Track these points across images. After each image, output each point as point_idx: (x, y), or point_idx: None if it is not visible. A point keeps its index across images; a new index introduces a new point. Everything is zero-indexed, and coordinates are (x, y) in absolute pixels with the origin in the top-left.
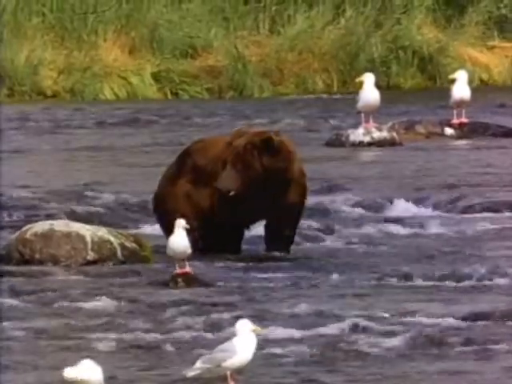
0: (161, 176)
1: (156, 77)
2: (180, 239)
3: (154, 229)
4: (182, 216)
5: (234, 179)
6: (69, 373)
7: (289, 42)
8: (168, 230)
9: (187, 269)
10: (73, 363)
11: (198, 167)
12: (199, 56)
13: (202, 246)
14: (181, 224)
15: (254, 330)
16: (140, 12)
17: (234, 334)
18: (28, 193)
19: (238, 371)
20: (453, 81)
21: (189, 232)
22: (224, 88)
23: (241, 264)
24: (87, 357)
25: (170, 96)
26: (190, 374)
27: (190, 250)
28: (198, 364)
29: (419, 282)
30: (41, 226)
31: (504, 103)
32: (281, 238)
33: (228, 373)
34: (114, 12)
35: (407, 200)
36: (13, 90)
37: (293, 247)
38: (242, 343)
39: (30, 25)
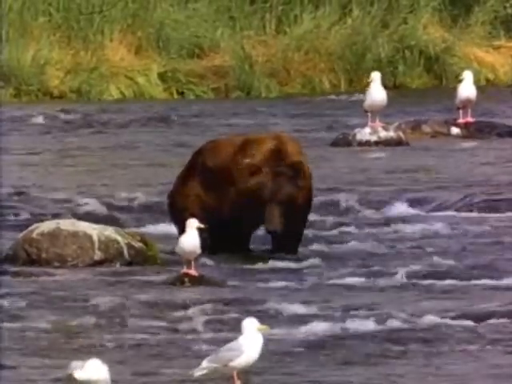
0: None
1: (162, 77)
2: (191, 239)
3: (160, 228)
4: (191, 215)
5: (279, 217)
6: (79, 375)
7: (295, 42)
8: (179, 228)
9: (193, 271)
10: (79, 363)
11: (208, 169)
12: (205, 56)
13: (210, 246)
14: (192, 224)
15: (259, 329)
16: (146, 11)
17: (240, 333)
18: (34, 192)
19: (244, 370)
20: (461, 81)
21: (200, 232)
22: (230, 88)
23: (247, 264)
24: (94, 356)
25: (176, 96)
26: (197, 373)
27: (199, 251)
28: (205, 363)
29: (421, 281)
30: (47, 226)
31: (510, 103)
32: (287, 238)
33: (234, 372)
34: (120, 11)
35: (413, 199)
36: (19, 90)
37: (299, 247)
38: (249, 342)
39: (37, 24)
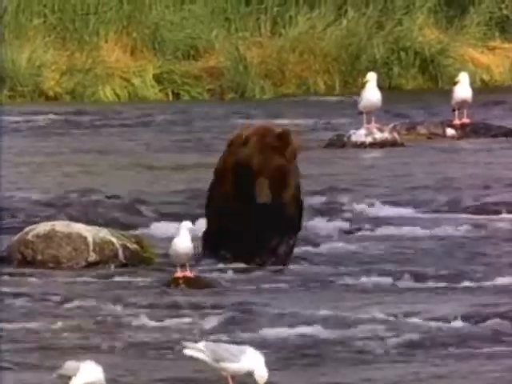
0: None
1: (158, 78)
2: (183, 241)
3: (155, 230)
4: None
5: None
6: (75, 382)
7: (290, 43)
8: None
9: (188, 272)
10: (73, 363)
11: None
12: (201, 57)
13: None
14: (185, 226)
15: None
16: (141, 13)
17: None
18: (29, 194)
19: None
20: (456, 82)
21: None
22: (225, 89)
23: (242, 266)
24: (88, 357)
25: (171, 97)
26: (189, 352)
27: (192, 253)
28: (201, 346)
29: (419, 282)
30: (42, 227)
31: (505, 104)
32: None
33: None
34: (115, 13)
35: (408, 201)
36: (14, 91)
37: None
38: (251, 356)
39: (32, 26)
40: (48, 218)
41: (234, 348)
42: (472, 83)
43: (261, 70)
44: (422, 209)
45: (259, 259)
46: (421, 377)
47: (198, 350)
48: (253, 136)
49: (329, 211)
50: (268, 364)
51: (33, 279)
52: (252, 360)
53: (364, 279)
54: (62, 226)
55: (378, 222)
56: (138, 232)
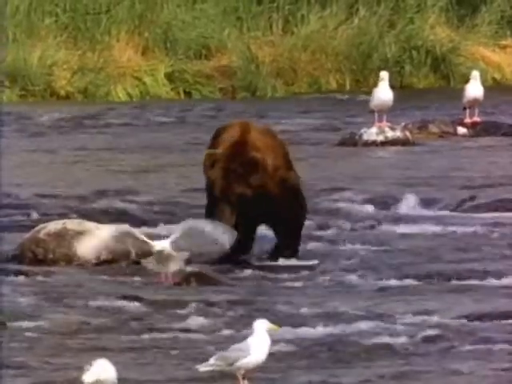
0: None
1: (170, 77)
2: None
3: (167, 228)
4: None
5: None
6: (88, 377)
7: (302, 42)
8: None
9: (199, 270)
10: (86, 363)
11: None
12: (213, 56)
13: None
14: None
15: (270, 329)
16: (153, 12)
17: (249, 334)
18: (41, 192)
19: (252, 371)
20: (468, 80)
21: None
22: (237, 88)
23: (252, 264)
24: (100, 356)
25: (183, 96)
26: (202, 369)
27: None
28: (212, 360)
29: (421, 281)
30: (54, 226)
31: None
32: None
33: (239, 373)
34: (127, 12)
35: (418, 199)
36: (26, 90)
37: (302, 247)
38: (257, 344)
39: (43, 25)
40: (60, 216)
41: (239, 345)
42: (483, 82)
43: (272, 69)
44: (433, 207)
45: (266, 258)
46: (422, 375)
47: (210, 365)
48: (220, 159)
49: (339, 209)
50: (278, 362)
51: (44, 278)
52: (259, 342)
53: (374, 277)
54: (73, 224)
55: (389, 220)
56: (149, 230)
